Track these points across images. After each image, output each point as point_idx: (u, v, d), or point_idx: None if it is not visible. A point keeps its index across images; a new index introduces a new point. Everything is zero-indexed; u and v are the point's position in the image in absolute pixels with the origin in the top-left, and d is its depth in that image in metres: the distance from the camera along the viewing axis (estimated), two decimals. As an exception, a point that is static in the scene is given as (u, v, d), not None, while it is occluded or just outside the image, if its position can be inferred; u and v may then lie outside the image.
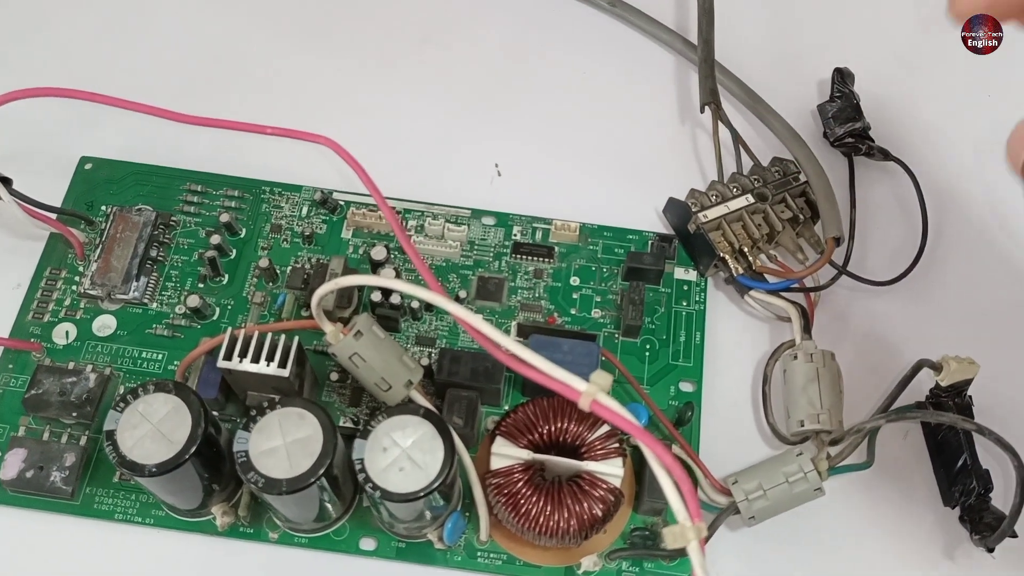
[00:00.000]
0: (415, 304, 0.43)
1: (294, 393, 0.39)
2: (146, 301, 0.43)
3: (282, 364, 0.37)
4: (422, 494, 0.34)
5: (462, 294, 0.44)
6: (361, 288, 0.43)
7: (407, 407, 0.35)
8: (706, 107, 0.48)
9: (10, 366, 0.42)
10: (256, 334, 0.38)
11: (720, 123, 0.47)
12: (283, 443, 0.34)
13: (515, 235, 0.46)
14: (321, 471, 0.34)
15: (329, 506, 0.37)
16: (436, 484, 0.34)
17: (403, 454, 0.34)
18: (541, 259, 0.45)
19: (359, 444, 0.34)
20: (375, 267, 0.44)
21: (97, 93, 0.42)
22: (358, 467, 0.34)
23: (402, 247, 0.43)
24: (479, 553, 0.39)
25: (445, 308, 0.33)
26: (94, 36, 0.52)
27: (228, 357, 0.37)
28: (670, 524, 0.29)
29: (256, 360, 0.37)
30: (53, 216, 0.44)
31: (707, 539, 0.38)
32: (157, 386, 0.35)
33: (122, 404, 0.35)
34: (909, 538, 0.40)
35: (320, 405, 0.35)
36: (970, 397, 0.41)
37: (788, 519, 0.39)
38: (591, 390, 0.30)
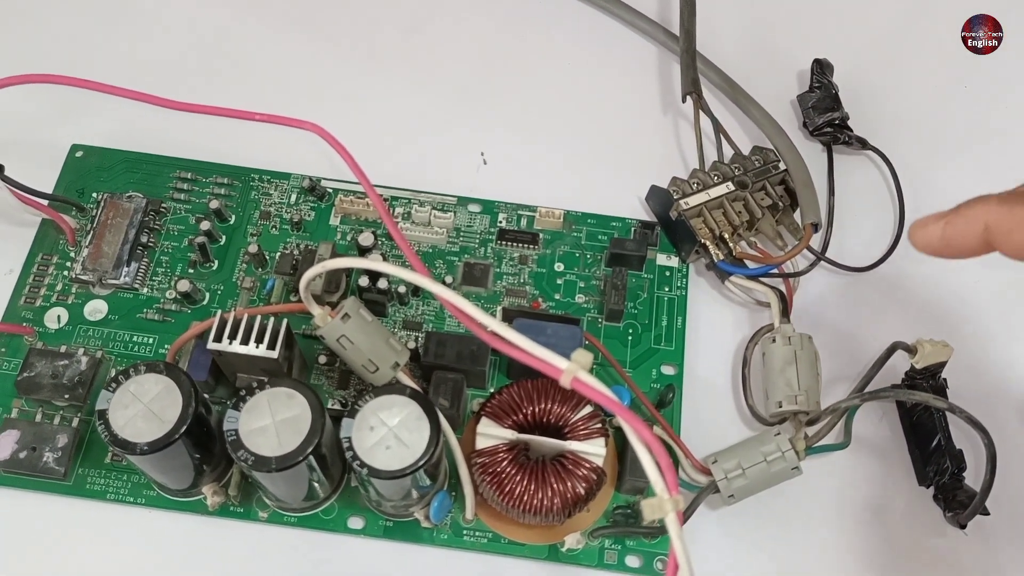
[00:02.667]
0: (402, 289, 0.43)
1: (283, 375, 0.39)
2: (137, 286, 0.44)
3: (271, 346, 0.38)
4: (408, 471, 0.34)
5: (448, 280, 0.45)
6: (349, 273, 0.44)
7: (394, 387, 0.36)
8: (688, 97, 0.49)
9: (2, 350, 0.42)
10: (245, 317, 0.39)
11: (702, 112, 0.48)
12: (272, 422, 0.35)
13: (500, 222, 0.47)
14: (310, 449, 0.35)
15: (317, 486, 0.38)
16: (422, 462, 0.34)
17: (389, 433, 0.35)
18: (526, 245, 0.46)
19: (347, 423, 0.35)
20: (362, 253, 0.44)
21: (87, 80, 0.42)
22: (346, 445, 0.35)
23: (389, 233, 0.43)
24: (465, 531, 0.40)
25: (431, 289, 0.34)
26: (84, 23, 0.53)
27: (218, 339, 0.38)
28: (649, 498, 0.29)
29: (246, 342, 0.38)
30: (44, 202, 0.45)
31: (687, 517, 0.38)
32: (148, 367, 0.36)
33: (114, 384, 0.35)
34: (884, 516, 0.41)
35: (308, 385, 0.36)
36: (944, 380, 0.42)
37: (766, 498, 0.40)
38: (572, 368, 0.30)
